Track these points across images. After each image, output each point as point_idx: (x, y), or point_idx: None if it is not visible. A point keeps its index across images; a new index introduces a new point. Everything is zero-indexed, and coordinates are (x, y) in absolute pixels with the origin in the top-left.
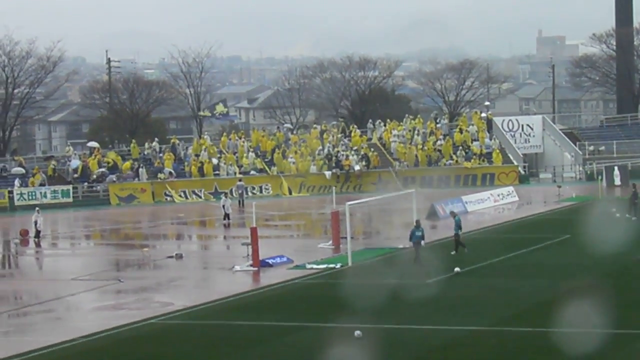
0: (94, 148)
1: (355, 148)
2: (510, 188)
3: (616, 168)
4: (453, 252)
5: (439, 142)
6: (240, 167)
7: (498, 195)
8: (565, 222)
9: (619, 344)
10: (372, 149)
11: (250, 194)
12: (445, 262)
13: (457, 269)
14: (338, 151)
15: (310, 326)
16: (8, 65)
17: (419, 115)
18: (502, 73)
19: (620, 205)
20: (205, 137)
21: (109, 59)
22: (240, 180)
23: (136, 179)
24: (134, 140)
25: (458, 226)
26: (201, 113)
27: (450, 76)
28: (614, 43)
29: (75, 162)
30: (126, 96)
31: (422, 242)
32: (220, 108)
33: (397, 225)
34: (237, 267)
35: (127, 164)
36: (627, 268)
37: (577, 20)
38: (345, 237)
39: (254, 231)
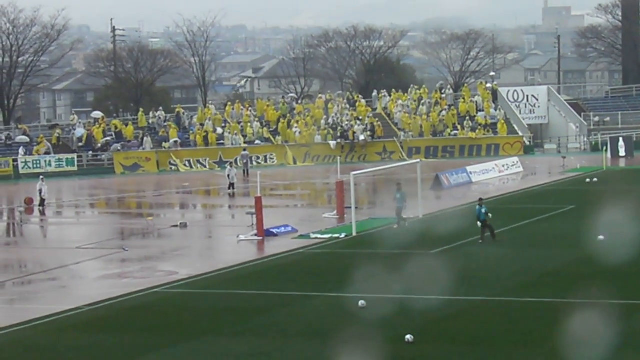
0: (99, 118)
1: (360, 118)
2: (515, 159)
3: (621, 139)
4: (395, 226)
5: (443, 113)
6: (245, 136)
7: (503, 166)
8: (570, 192)
9: (624, 314)
10: (377, 119)
11: (255, 163)
12: (449, 232)
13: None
14: (343, 121)
15: (314, 296)
16: (12, 33)
17: (424, 86)
18: (507, 43)
19: (622, 176)
20: (210, 106)
21: (114, 27)
22: (245, 150)
23: (141, 147)
24: (141, 109)
25: (403, 199)
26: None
27: (455, 46)
28: (620, 14)
29: (80, 131)
30: (131, 65)
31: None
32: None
33: None
34: (242, 237)
35: (130, 127)
36: (633, 238)
37: None
38: (350, 207)
39: (258, 200)
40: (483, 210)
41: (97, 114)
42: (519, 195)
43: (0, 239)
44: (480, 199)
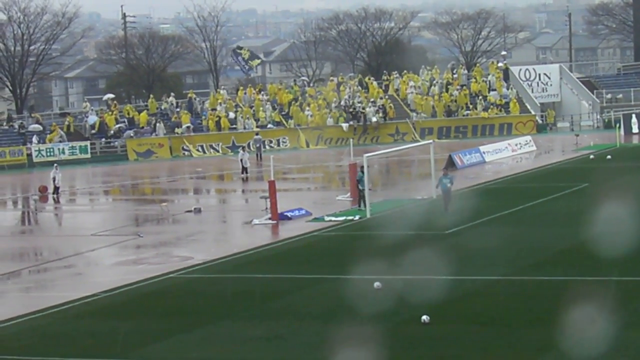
0: (111, 99)
1: (372, 100)
2: (528, 137)
3: (634, 116)
4: (361, 207)
5: (455, 93)
6: (257, 120)
7: (516, 145)
8: (584, 170)
9: (638, 292)
10: (389, 101)
11: (267, 147)
12: (462, 212)
13: None
14: (355, 103)
15: (329, 278)
16: (23, 22)
17: (435, 66)
18: (518, 22)
19: (635, 152)
20: (221, 91)
21: (124, 14)
22: (257, 134)
23: (154, 134)
24: (152, 96)
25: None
26: (243, 51)
27: (466, 26)
28: None
29: (93, 118)
30: (142, 51)
31: (451, 189)
32: (255, 62)
33: (415, 176)
34: (256, 221)
35: (144, 114)
36: None
37: None
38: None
39: (272, 184)
40: (446, 181)
41: (109, 95)
42: (532, 174)
43: (16, 227)
44: (445, 169)
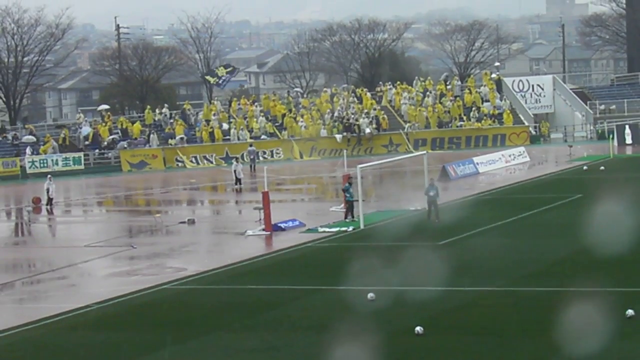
0: (105, 110)
1: (366, 111)
2: (522, 148)
3: (627, 127)
4: (349, 219)
5: (448, 104)
6: (250, 131)
7: (509, 156)
8: (577, 181)
9: (631, 302)
10: (383, 112)
11: (261, 158)
12: (456, 223)
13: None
14: (348, 114)
15: (323, 289)
16: (17, 33)
17: (429, 77)
18: (511, 33)
19: (629, 163)
20: (215, 102)
21: (118, 25)
22: (251, 145)
23: (147, 145)
24: (148, 107)
25: (349, 193)
26: (208, 78)
27: (459, 37)
28: (624, 1)
29: (86, 129)
30: (136, 62)
31: (437, 199)
32: (221, 71)
33: (408, 187)
34: (250, 232)
35: (137, 125)
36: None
37: None
38: (357, 200)
39: (265, 195)
40: (431, 192)
41: (103, 106)
42: (526, 185)
43: (9, 238)
44: (431, 179)
